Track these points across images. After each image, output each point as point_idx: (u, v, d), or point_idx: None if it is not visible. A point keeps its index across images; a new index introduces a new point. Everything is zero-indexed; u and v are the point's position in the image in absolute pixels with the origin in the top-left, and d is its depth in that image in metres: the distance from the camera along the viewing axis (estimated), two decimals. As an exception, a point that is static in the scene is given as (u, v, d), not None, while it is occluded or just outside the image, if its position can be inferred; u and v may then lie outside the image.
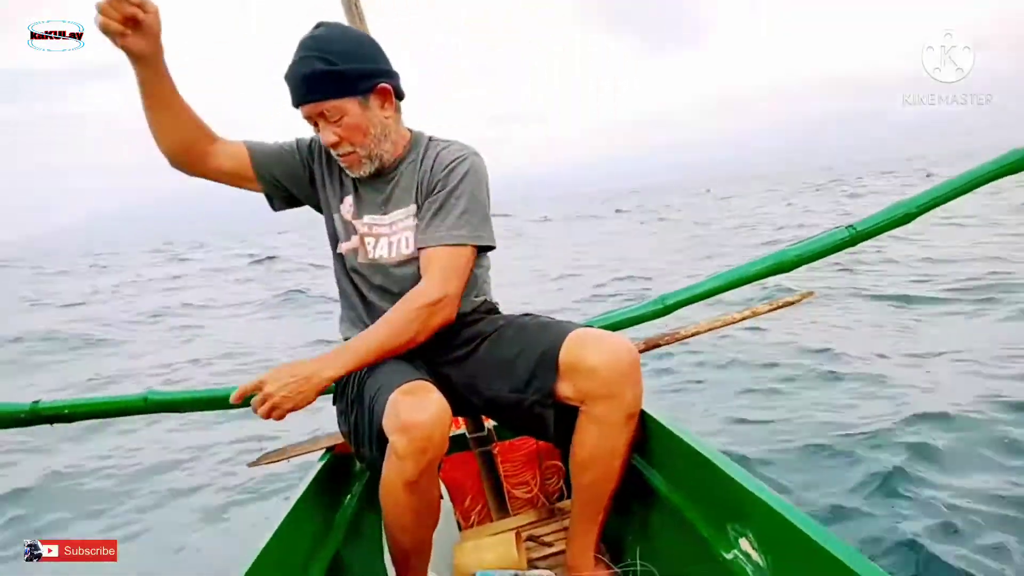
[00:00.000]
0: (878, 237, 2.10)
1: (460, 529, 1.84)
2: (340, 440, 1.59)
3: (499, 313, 1.54)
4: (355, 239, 1.45)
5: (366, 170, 1.41)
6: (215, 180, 1.46)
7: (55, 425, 1.88)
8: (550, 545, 1.65)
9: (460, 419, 1.78)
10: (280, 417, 1.20)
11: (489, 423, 1.79)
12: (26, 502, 3.36)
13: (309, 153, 1.50)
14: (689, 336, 1.93)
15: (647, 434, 1.38)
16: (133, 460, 3.91)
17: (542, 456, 1.90)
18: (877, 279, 6.67)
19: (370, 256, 1.44)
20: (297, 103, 1.34)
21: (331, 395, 1.53)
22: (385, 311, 1.43)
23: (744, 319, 1.97)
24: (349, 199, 1.47)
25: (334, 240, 1.50)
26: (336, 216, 1.48)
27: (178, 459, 3.84)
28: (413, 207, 1.43)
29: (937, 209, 2.03)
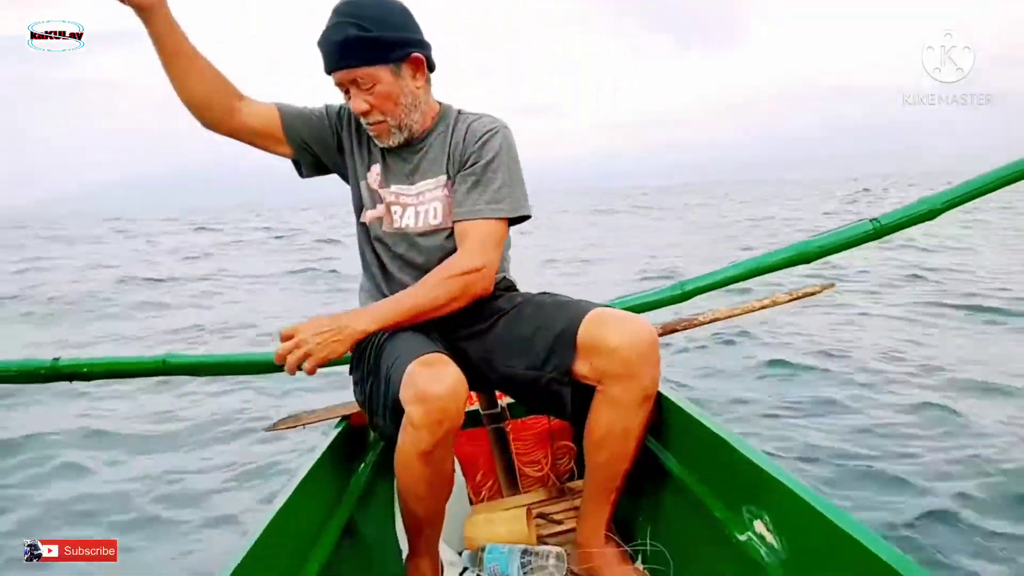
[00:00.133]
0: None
1: (471, 503, 1.85)
2: (355, 409, 1.60)
3: (517, 291, 1.54)
4: (380, 208, 1.45)
5: (395, 140, 1.41)
6: (243, 140, 1.46)
7: (73, 383, 1.92)
8: (560, 523, 1.66)
9: (473, 395, 1.79)
10: (311, 368, 1.21)
11: (503, 401, 1.79)
12: (42, 452, 3.41)
13: (338, 119, 1.49)
14: (707, 322, 1.93)
15: (662, 415, 1.38)
16: (151, 421, 3.98)
17: (554, 436, 1.91)
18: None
19: (395, 225, 1.44)
20: (330, 69, 1.33)
21: (347, 365, 1.54)
22: (405, 282, 1.43)
23: (764, 308, 1.96)
24: (376, 168, 1.46)
25: (359, 209, 1.50)
26: (362, 184, 1.48)
27: (197, 422, 3.91)
28: (443, 178, 1.43)
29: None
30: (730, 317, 1.96)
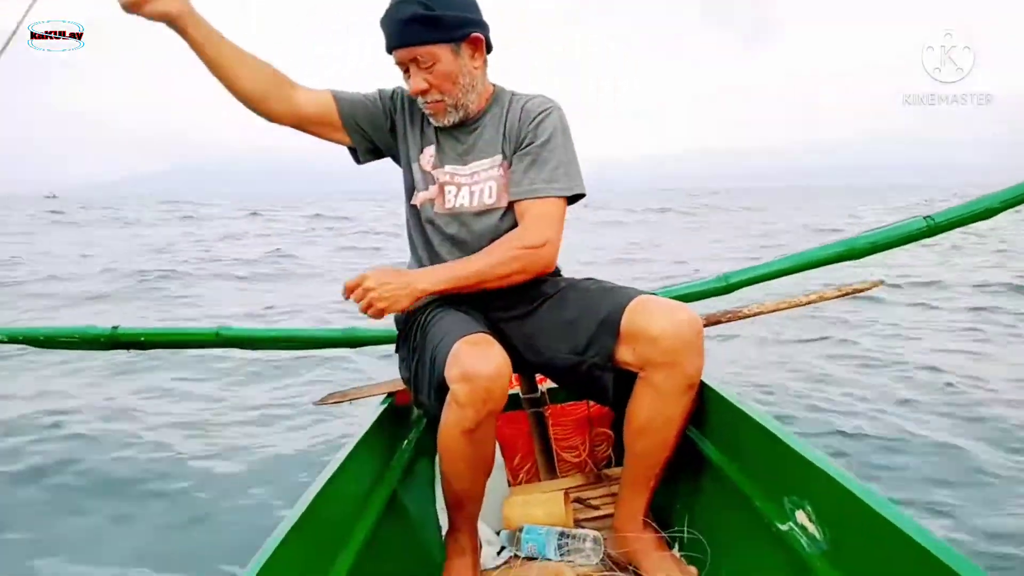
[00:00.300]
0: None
1: (509, 485, 1.88)
2: (401, 387, 1.63)
3: (562, 275, 1.55)
4: (433, 188, 1.47)
5: (450, 119, 1.43)
6: (301, 128, 1.48)
7: (130, 351, 2.00)
8: (596, 508, 1.67)
9: (514, 378, 1.81)
10: (375, 315, 1.27)
11: (543, 385, 1.81)
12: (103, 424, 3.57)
13: (391, 102, 1.52)
14: (751, 315, 1.91)
15: (703, 403, 1.38)
16: (198, 392, 4.12)
17: (592, 422, 1.92)
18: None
19: (448, 205, 1.46)
20: (391, 47, 1.36)
21: (393, 343, 1.58)
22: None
23: (810, 303, 1.93)
24: (430, 149, 1.48)
25: (410, 191, 1.51)
26: (415, 166, 1.50)
27: (247, 395, 4.04)
28: (498, 157, 1.44)
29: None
30: (776, 311, 1.94)
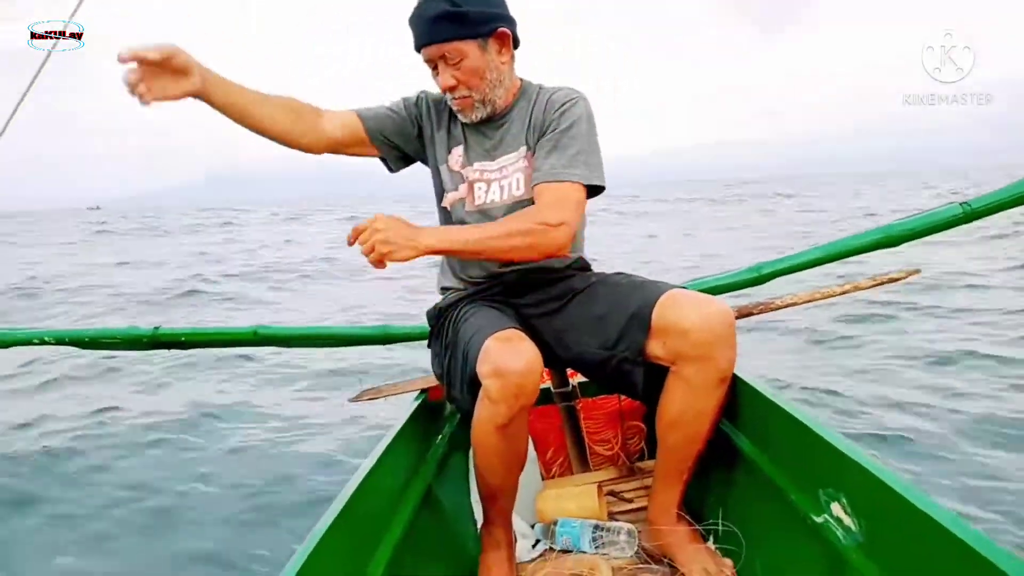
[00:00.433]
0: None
1: (543, 479, 1.89)
2: (434, 383, 1.66)
3: (592, 270, 1.56)
4: (463, 188, 1.48)
5: (478, 115, 1.44)
6: (334, 152, 1.50)
7: (171, 351, 2.06)
8: (630, 501, 1.67)
9: (545, 373, 1.82)
10: (376, 260, 1.22)
11: (574, 380, 1.82)
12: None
13: (416, 108, 1.53)
14: (784, 307, 1.89)
15: (736, 396, 1.37)
16: (238, 390, 4.22)
17: (624, 416, 1.92)
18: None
19: (478, 203, 1.46)
20: (419, 45, 1.37)
21: (426, 340, 1.60)
22: (479, 261, 1.48)
23: (845, 293, 1.91)
24: (458, 149, 1.49)
25: (440, 193, 1.53)
26: (443, 168, 1.51)
27: (284, 393, 4.14)
28: (523, 148, 1.45)
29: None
30: (809, 302, 1.91)
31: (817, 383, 3.64)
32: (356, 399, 1.87)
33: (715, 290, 2.01)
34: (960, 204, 1.96)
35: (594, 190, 1.41)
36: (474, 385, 1.24)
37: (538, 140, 1.42)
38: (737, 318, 1.74)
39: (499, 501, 1.39)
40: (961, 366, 3.79)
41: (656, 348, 1.27)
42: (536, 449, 1.90)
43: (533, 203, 1.41)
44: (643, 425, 1.90)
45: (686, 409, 1.28)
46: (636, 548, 1.42)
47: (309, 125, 1.43)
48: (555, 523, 1.52)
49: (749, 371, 1.37)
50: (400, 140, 1.53)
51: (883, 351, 4.26)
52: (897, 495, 0.84)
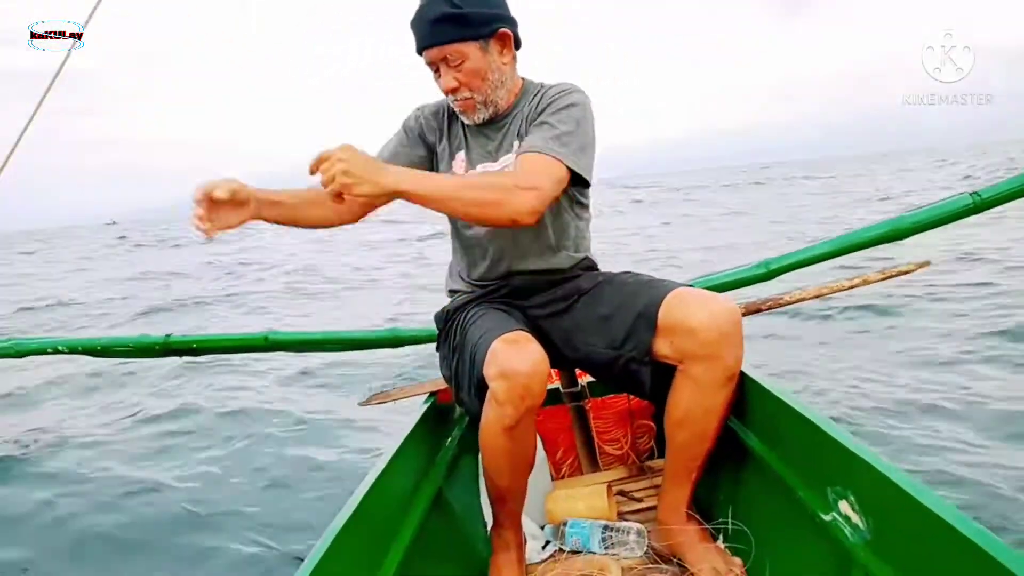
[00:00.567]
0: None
1: (552, 480, 1.90)
2: (443, 386, 1.66)
3: (598, 270, 1.56)
4: None
5: (480, 116, 1.44)
6: (374, 211, 1.52)
7: (183, 358, 2.08)
8: (640, 500, 1.67)
9: (554, 373, 1.83)
10: (334, 193, 1.15)
11: (583, 380, 1.82)
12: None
13: (418, 124, 1.54)
14: (793, 302, 1.88)
15: (744, 394, 1.37)
16: (247, 394, 4.25)
17: (634, 415, 1.92)
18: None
19: None
20: (421, 48, 1.38)
21: (434, 343, 1.60)
22: (486, 264, 1.48)
23: (854, 287, 1.90)
24: (460, 154, 1.50)
25: None
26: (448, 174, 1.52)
27: (294, 396, 4.17)
28: (518, 143, 1.44)
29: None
30: (817, 296, 1.91)
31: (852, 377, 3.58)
32: (366, 403, 1.89)
33: (723, 287, 2.01)
34: (970, 194, 1.94)
35: (577, 180, 1.37)
36: (482, 387, 1.25)
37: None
38: (745, 315, 1.74)
39: (508, 503, 1.39)
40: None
41: (663, 347, 1.27)
42: (546, 450, 1.91)
43: None
44: (652, 424, 1.90)
45: (694, 407, 1.28)
46: (646, 548, 1.42)
47: (335, 212, 1.44)
48: (565, 524, 1.52)
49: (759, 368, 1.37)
50: (418, 162, 1.55)
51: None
52: (905, 493, 0.84)
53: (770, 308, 1.86)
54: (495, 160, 1.47)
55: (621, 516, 1.61)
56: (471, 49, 1.35)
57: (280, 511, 2.63)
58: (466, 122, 1.47)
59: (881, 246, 2.01)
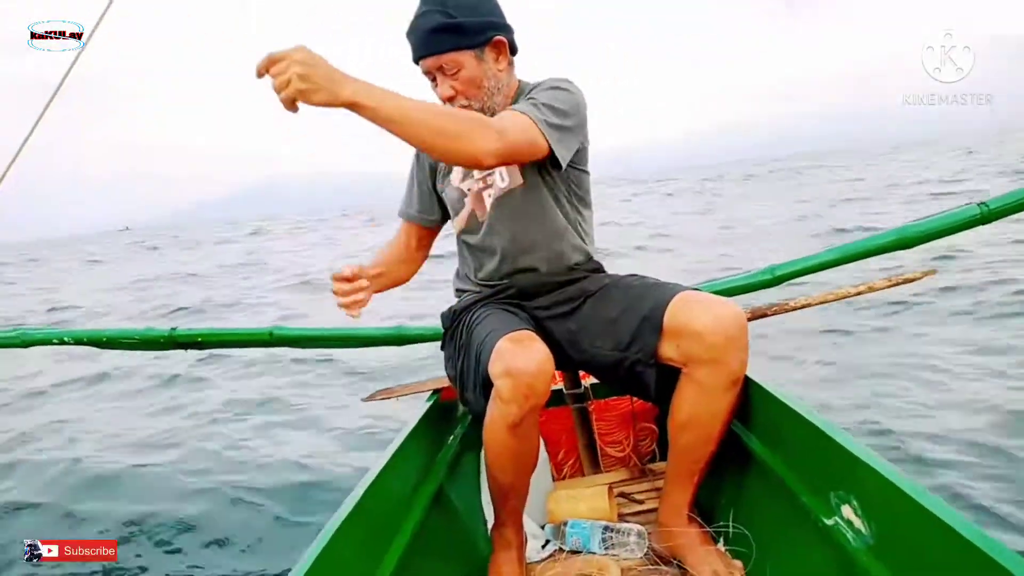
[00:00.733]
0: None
1: (554, 480, 1.90)
2: (445, 383, 1.67)
3: (604, 272, 1.56)
4: (468, 202, 1.51)
5: None
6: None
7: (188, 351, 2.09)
8: (641, 503, 1.67)
9: (558, 374, 1.83)
10: (287, 98, 1.03)
11: (586, 381, 1.82)
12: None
13: (417, 157, 1.59)
14: (798, 308, 1.88)
15: (748, 398, 1.37)
16: (250, 388, 4.26)
17: (636, 417, 1.92)
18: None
19: (489, 204, 1.48)
20: (417, 57, 1.39)
21: (440, 341, 1.61)
22: (492, 264, 1.49)
23: (860, 294, 1.90)
24: (457, 168, 1.53)
25: (456, 213, 1.56)
26: (448, 191, 1.55)
27: (298, 392, 4.18)
28: None
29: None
30: (823, 303, 1.90)
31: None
32: (369, 399, 1.89)
33: (729, 292, 2.01)
34: (978, 204, 1.93)
35: (554, 163, 1.35)
36: (487, 386, 1.25)
37: None
38: (751, 319, 1.74)
39: (510, 501, 1.39)
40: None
41: (668, 350, 1.28)
42: (548, 450, 1.90)
43: (522, 187, 1.45)
44: (655, 427, 1.90)
45: (698, 411, 1.28)
46: (646, 549, 1.42)
47: (413, 260, 1.68)
48: (565, 524, 1.52)
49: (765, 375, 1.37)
50: (427, 183, 1.60)
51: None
52: (908, 498, 0.84)
53: (776, 313, 1.86)
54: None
55: (622, 517, 1.61)
56: (466, 58, 1.36)
57: (280, 505, 2.63)
58: None
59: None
